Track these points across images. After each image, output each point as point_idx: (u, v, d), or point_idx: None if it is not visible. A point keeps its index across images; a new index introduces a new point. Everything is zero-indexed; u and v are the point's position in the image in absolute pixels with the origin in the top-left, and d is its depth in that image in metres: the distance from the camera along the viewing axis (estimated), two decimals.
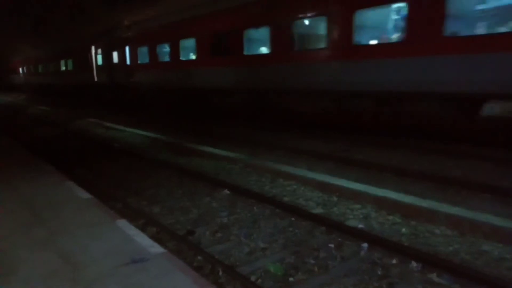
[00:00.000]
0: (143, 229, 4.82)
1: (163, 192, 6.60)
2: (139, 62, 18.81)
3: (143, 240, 3.95)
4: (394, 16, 9.88)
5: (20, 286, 3.16)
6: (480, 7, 8.32)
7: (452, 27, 7.83)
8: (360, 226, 4.94)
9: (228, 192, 6.39)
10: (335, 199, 5.94)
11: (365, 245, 4.39)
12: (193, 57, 15.35)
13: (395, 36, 9.46)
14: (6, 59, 46.32)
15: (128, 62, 19.81)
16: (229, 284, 3.74)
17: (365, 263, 4.07)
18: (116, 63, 20.97)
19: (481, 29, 8.00)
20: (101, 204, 5.18)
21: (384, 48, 9.26)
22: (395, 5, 9.11)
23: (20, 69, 43.52)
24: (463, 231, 4.61)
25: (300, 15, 10.70)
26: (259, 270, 3.97)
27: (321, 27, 10.30)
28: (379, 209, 5.43)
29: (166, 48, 16.80)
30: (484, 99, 7.69)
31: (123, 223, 4.42)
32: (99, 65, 22.94)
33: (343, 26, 9.43)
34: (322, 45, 10.34)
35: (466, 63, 7.49)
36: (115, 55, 21.00)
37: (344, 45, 9.50)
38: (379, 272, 3.88)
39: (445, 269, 3.78)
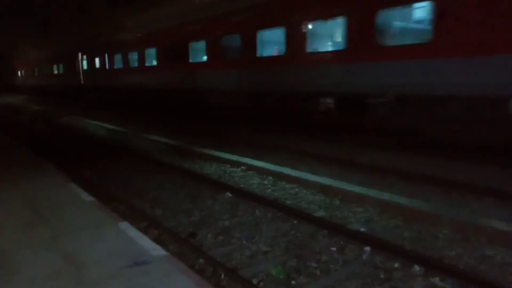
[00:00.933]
0: (145, 231, 4.82)
1: (166, 195, 6.61)
2: (115, 67, 22.06)
3: (146, 243, 3.96)
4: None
5: (23, 286, 3.18)
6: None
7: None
8: (363, 229, 4.93)
9: (230, 194, 6.40)
10: (337, 202, 5.94)
11: (368, 248, 4.38)
12: (155, 63, 18.29)
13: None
14: (7, 62, 48.07)
15: (107, 67, 23.12)
16: (231, 287, 3.73)
17: (367, 266, 4.06)
18: (97, 68, 24.43)
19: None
20: (104, 206, 5.20)
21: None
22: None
23: (19, 72, 46.77)
24: (467, 235, 4.59)
25: (224, 34, 13.73)
26: (261, 273, 3.97)
27: (238, 43, 12.94)
28: (382, 212, 5.42)
29: (135, 56, 19.78)
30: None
31: (125, 225, 4.43)
32: (85, 70, 26.28)
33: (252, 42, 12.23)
34: (241, 56, 13.01)
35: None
36: (97, 60, 24.36)
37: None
38: (382, 276, 3.87)
39: (448, 273, 3.77)
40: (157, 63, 18.01)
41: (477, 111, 7.63)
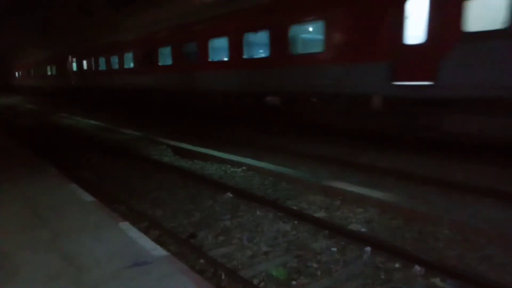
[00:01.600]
0: (146, 232, 4.82)
1: (166, 195, 6.61)
2: (99, 69, 24.68)
3: (146, 243, 3.96)
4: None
5: (24, 287, 3.18)
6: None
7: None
8: (363, 230, 4.93)
9: (231, 195, 6.40)
10: (338, 202, 5.93)
11: (368, 249, 4.38)
12: (131, 65, 20.66)
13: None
14: (5, 63, 50.00)
15: (93, 68, 25.61)
16: None
17: (368, 267, 4.06)
18: (86, 69, 26.87)
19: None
20: (104, 207, 5.19)
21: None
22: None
23: (16, 73, 49.32)
24: (467, 235, 4.59)
25: (185, 42, 15.84)
26: (262, 274, 3.97)
27: (194, 50, 15.21)
28: (382, 213, 5.42)
29: (116, 59, 22.25)
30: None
31: (126, 226, 4.43)
32: (74, 71, 28.75)
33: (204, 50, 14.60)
34: (196, 61, 15.17)
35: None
36: (84, 63, 26.91)
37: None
38: (382, 276, 3.87)
39: (448, 274, 3.77)
40: (133, 66, 20.49)
41: (356, 105, 9.85)
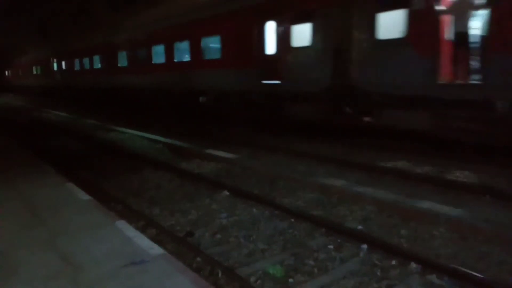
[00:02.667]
0: (143, 230, 4.83)
1: (163, 194, 6.61)
2: (75, 69, 27.73)
3: (143, 242, 3.96)
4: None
5: (22, 287, 3.17)
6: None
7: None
8: (360, 227, 4.95)
9: (228, 193, 6.40)
10: (334, 201, 5.95)
11: (365, 246, 4.39)
12: (99, 66, 23.89)
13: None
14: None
15: (69, 69, 29.09)
16: (229, 286, 3.74)
17: (364, 264, 4.07)
18: (64, 69, 30.24)
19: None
20: (101, 206, 5.19)
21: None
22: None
23: (6, 72, 53.07)
24: (464, 233, 4.61)
25: (136, 48, 18.81)
26: (259, 272, 3.98)
27: (143, 54, 18.09)
28: (379, 211, 5.44)
29: (87, 61, 25.43)
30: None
31: (122, 225, 4.44)
32: (55, 71, 32.13)
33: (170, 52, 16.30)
34: (145, 63, 18.09)
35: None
36: (63, 64, 30.33)
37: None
38: (379, 274, 3.89)
39: (445, 271, 3.79)
40: (100, 67, 23.68)
41: (242, 100, 12.81)
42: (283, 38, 10.73)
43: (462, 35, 7.49)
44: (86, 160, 9.39)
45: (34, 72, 38.06)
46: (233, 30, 12.38)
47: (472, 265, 3.98)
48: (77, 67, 27.27)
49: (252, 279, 3.86)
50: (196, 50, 14.45)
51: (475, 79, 7.39)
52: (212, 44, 13.80)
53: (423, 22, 7.69)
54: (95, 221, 4.55)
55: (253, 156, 8.58)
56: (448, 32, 7.61)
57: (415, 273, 3.87)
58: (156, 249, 3.80)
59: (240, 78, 12.33)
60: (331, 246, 4.49)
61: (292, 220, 5.25)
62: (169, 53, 16.06)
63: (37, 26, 35.21)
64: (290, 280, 3.84)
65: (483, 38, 7.16)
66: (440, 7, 7.55)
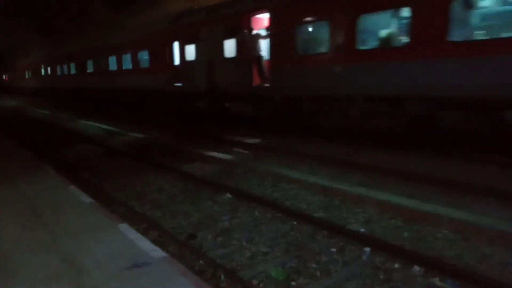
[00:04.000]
0: (145, 233, 4.82)
1: (165, 196, 6.61)
2: (58, 74, 32.56)
3: (145, 244, 3.96)
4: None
5: None
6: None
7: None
8: (362, 230, 4.93)
9: (230, 196, 6.40)
10: (337, 203, 5.93)
11: (367, 249, 4.38)
12: (74, 72, 28.70)
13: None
14: None
15: (53, 74, 33.97)
16: None
17: (367, 267, 4.06)
18: (49, 74, 35.12)
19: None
20: (103, 208, 5.19)
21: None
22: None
23: (3, 76, 59.27)
24: (467, 235, 4.59)
25: (107, 56, 22.46)
26: (261, 275, 3.97)
27: (114, 61, 21.85)
28: (381, 213, 5.42)
29: (66, 67, 30.22)
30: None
31: (125, 227, 4.43)
32: (43, 75, 36.95)
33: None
34: (116, 68, 21.62)
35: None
36: (48, 69, 35.24)
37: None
38: (381, 276, 3.87)
39: (448, 274, 3.77)
40: (75, 72, 28.49)
41: (164, 96, 17.07)
42: (182, 54, 15.43)
43: (259, 56, 12.12)
44: (86, 162, 9.40)
45: (27, 76, 43.98)
46: (155, 47, 17.18)
47: (475, 266, 3.97)
48: (58, 72, 32.81)
49: (255, 282, 3.85)
50: (135, 61, 19.34)
51: (267, 83, 11.90)
52: (144, 56, 18.41)
53: (243, 47, 12.35)
54: (97, 223, 4.55)
55: (255, 157, 8.56)
56: (254, 52, 12.12)
57: (418, 276, 3.85)
58: (158, 252, 3.79)
59: (160, 81, 16.83)
60: (333, 249, 4.47)
61: (295, 222, 5.23)
62: (119, 62, 21.04)
63: (38, 28, 38.17)
64: (293, 283, 3.82)
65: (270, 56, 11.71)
66: (247, 38, 12.17)
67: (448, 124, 8.14)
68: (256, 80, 12.21)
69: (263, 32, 11.95)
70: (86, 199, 5.53)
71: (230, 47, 12.83)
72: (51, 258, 3.71)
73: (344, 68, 9.49)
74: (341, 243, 4.59)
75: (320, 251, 4.42)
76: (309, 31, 10.82)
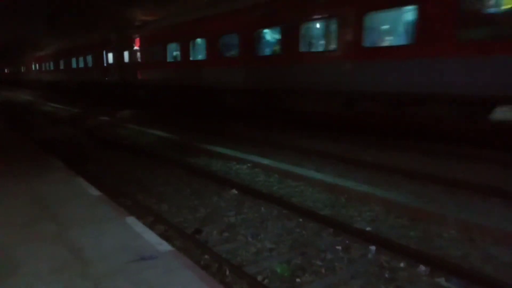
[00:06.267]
0: (151, 226, 4.85)
1: (171, 190, 6.65)
2: (42, 70, 41.81)
3: (151, 238, 3.99)
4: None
5: (29, 280, 3.21)
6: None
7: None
8: (368, 228, 4.92)
9: (236, 192, 6.41)
10: (343, 200, 5.93)
11: (373, 247, 4.37)
12: (52, 68, 37.57)
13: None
14: None
15: (39, 69, 43.83)
16: (236, 284, 3.75)
17: (372, 266, 4.05)
18: (37, 69, 44.48)
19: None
20: (110, 201, 5.23)
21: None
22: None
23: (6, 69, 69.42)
24: (473, 235, 4.57)
25: (83, 55, 29.12)
26: (266, 271, 3.98)
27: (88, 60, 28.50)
28: (388, 211, 5.41)
29: (51, 64, 37.79)
30: None
31: (131, 220, 4.47)
32: (33, 70, 46.44)
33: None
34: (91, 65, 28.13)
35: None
36: (37, 65, 44.49)
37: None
38: (387, 275, 3.87)
39: (454, 274, 3.76)
40: (55, 68, 36.14)
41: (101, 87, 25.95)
42: (107, 58, 23.79)
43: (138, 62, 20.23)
44: (93, 155, 9.47)
45: (22, 70, 53.49)
46: (95, 53, 25.65)
47: (480, 266, 3.95)
48: (45, 68, 40.63)
49: (259, 277, 3.86)
50: (85, 61, 27.97)
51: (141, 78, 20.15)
52: (89, 59, 27.02)
53: (131, 56, 20.91)
54: (104, 215, 4.59)
55: (262, 154, 8.57)
56: (136, 59, 20.21)
57: (424, 275, 3.84)
58: (164, 245, 3.82)
59: (99, 76, 24.97)
60: (339, 247, 4.47)
61: (300, 219, 5.24)
62: (77, 62, 29.82)
63: (45, 23, 41.47)
64: (298, 279, 3.83)
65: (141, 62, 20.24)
66: (133, 51, 20.36)
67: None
68: (139, 76, 20.04)
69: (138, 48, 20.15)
70: (94, 191, 5.58)
71: (126, 55, 21.46)
72: (58, 249, 3.75)
73: (161, 71, 18.24)
74: (347, 241, 4.59)
75: (325, 248, 4.42)
76: (155, 51, 18.41)
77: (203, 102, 15.61)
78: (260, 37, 12.31)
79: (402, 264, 4.05)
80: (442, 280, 3.74)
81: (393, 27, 9.47)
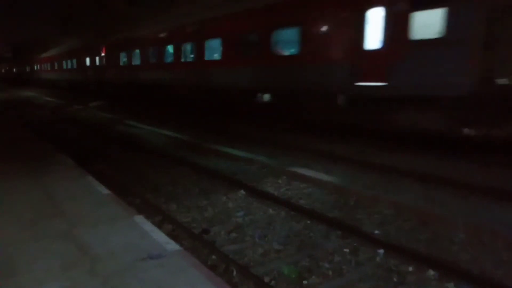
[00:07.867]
0: (159, 225, 4.88)
1: (180, 190, 6.67)
2: (43, 70, 47.11)
3: (159, 237, 4.00)
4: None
5: (39, 276, 3.24)
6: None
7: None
8: (377, 231, 4.89)
9: (244, 192, 6.41)
10: (352, 203, 5.89)
11: (381, 251, 4.34)
12: (49, 69, 43.30)
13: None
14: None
15: (34, 70, 51.45)
16: (243, 284, 3.75)
17: (380, 269, 4.02)
18: (34, 70, 51.41)
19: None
20: (119, 200, 5.26)
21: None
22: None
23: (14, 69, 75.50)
24: (484, 239, 4.51)
25: (71, 58, 34.92)
26: (273, 272, 3.97)
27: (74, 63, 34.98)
28: (397, 214, 5.36)
29: (48, 65, 43.02)
30: None
31: (140, 219, 4.49)
32: (27, 71, 55.58)
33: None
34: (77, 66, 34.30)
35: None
36: (31, 66, 53.05)
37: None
38: (395, 279, 3.84)
39: (464, 278, 3.71)
40: (50, 69, 42.48)
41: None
42: (90, 62, 28.43)
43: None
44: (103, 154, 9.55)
45: (27, 70, 59.22)
46: (79, 58, 30.98)
47: (491, 271, 3.89)
48: (46, 68, 45.59)
49: (266, 278, 3.86)
50: (71, 64, 33.49)
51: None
52: (74, 61, 32.53)
53: (101, 60, 26.75)
54: (113, 214, 4.62)
55: (270, 155, 8.56)
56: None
57: (433, 279, 3.80)
58: (172, 245, 3.83)
59: (84, 75, 30.09)
60: (346, 249, 4.45)
61: (308, 221, 5.22)
62: (67, 63, 35.02)
63: (61, 21, 42.65)
64: (305, 281, 3.82)
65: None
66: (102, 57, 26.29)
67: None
68: (106, 76, 25.50)
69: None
70: (103, 190, 5.62)
71: (97, 60, 26.95)
72: (67, 246, 3.78)
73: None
74: (355, 244, 4.56)
75: (333, 251, 4.40)
76: (113, 57, 24.09)
77: (136, 95, 22.52)
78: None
79: (410, 268, 4.01)
80: (451, 285, 3.69)
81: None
